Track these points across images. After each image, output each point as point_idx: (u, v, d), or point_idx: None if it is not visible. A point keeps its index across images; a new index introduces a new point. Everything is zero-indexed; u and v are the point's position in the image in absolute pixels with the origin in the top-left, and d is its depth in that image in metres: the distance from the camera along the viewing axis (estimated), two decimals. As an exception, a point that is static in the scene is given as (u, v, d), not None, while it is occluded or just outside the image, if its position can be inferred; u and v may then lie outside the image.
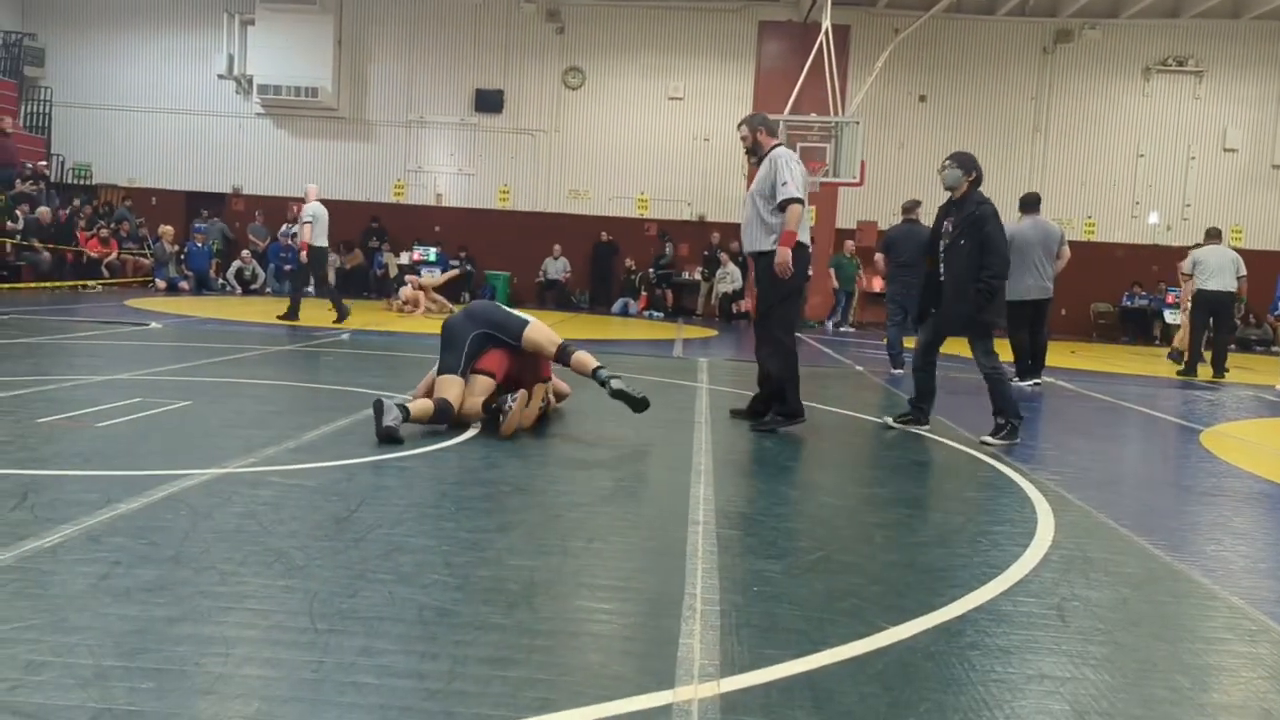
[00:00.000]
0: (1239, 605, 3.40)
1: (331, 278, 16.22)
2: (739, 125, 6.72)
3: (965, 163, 6.72)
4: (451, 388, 5.83)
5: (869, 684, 2.55)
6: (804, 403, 6.56)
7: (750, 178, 7.02)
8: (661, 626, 2.86)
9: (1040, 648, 2.88)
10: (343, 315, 13.38)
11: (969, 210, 6.52)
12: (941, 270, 6.61)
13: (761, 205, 6.42)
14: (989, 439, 6.40)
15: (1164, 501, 5.25)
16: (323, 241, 13.46)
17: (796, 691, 2.49)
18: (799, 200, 6.27)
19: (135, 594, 2.85)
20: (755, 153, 6.59)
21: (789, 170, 6.30)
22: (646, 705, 2.34)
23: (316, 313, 15.48)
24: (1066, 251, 10.32)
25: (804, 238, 6.43)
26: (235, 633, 2.63)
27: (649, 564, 3.50)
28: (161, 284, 19.20)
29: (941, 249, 6.62)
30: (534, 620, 2.86)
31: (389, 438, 5.30)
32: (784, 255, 6.28)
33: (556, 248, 21.61)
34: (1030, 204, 10.36)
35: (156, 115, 22.40)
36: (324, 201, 13.81)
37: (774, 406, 6.55)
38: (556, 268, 21.75)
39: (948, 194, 6.79)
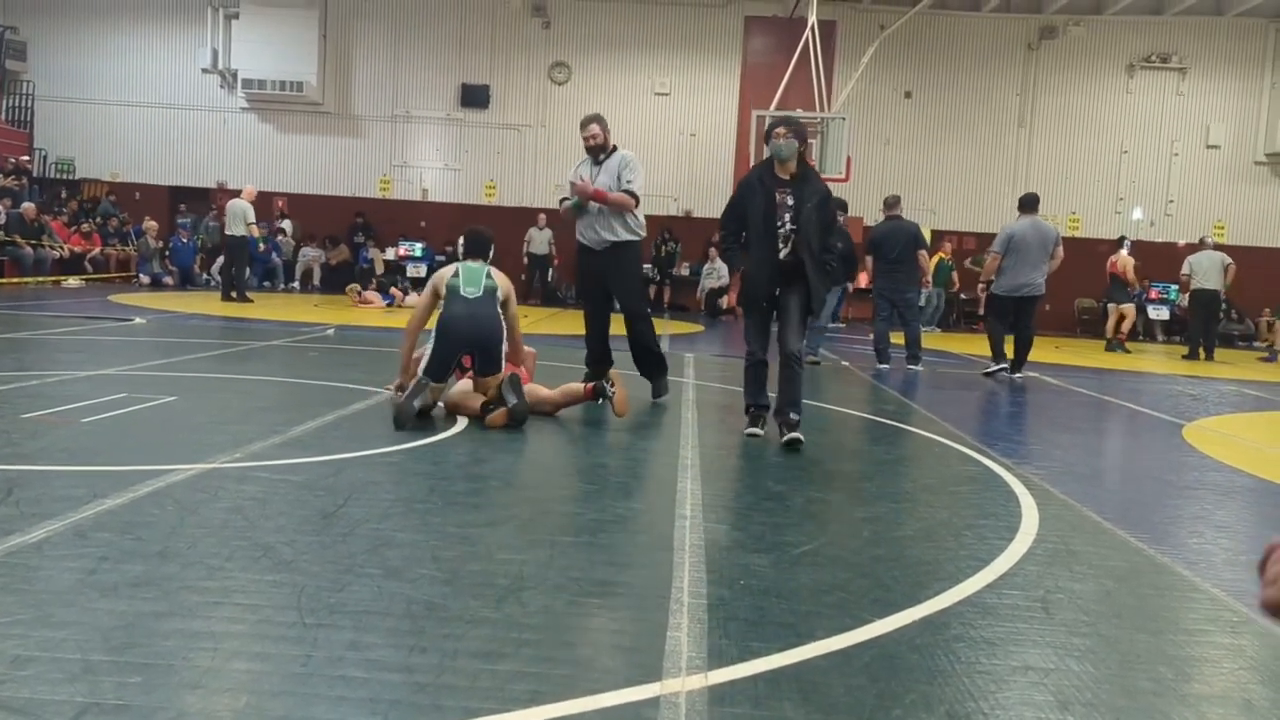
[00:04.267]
0: (1221, 597, 3.43)
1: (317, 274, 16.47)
2: (589, 123, 7.12)
3: (802, 133, 5.95)
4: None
5: (855, 676, 2.57)
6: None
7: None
8: (649, 620, 2.87)
9: (1025, 640, 2.91)
10: (237, 298, 15.38)
11: (817, 185, 5.94)
12: (787, 251, 5.84)
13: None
14: (796, 436, 5.67)
15: (1147, 495, 5.29)
16: (240, 232, 15.69)
17: (784, 684, 2.50)
18: (635, 197, 7.05)
19: (122, 589, 2.84)
20: (601, 152, 7.09)
21: (637, 171, 7.07)
22: (634, 698, 2.35)
23: (302, 309, 15.43)
24: (1060, 253, 10.43)
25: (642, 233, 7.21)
26: (223, 627, 2.63)
27: (637, 558, 3.52)
28: (145, 279, 19.09)
29: (789, 226, 5.81)
30: (522, 614, 2.87)
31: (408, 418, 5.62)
32: (587, 191, 6.97)
33: (541, 217, 20.90)
34: (1029, 204, 10.48)
35: (140, 110, 22.26)
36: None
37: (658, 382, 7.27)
38: (541, 240, 20.97)
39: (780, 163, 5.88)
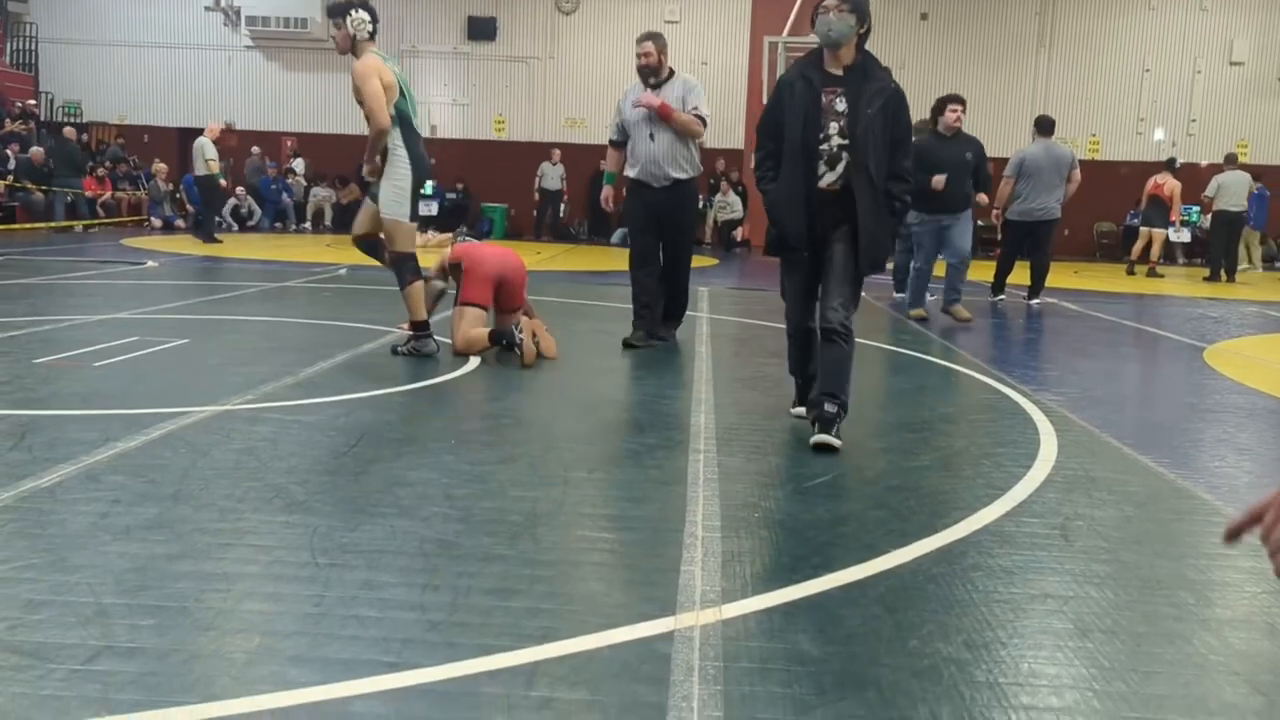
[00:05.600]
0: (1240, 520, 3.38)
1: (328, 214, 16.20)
2: (646, 40, 6.50)
3: (862, 9, 4.19)
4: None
5: (871, 607, 2.54)
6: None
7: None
8: (664, 554, 2.85)
9: (1043, 567, 2.87)
10: (204, 239, 15.43)
11: (883, 81, 4.26)
12: (835, 176, 4.22)
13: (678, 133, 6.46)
14: (829, 439, 4.11)
15: (1167, 419, 5.23)
16: (202, 171, 15.58)
17: (799, 616, 2.48)
18: (704, 122, 6.52)
19: (135, 532, 2.84)
20: (656, 75, 6.51)
21: (703, 99, 6.51)
22: (649, 632, 2.33)
23: (314, 248, 15.38)
24: (1077, 175, 10.20)
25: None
26: (236, 569, 2.63)
27: (651, 493, 3.49)
28: (157, 222, 19.04)
29: (836, 141, 4.20)
30: (536, 551, 2.85)
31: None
32: (654, 102, 6.47)
33: (555, 152, 20.68)
34: (1045, 127, 10.24)
35: (144, 50, 21.99)
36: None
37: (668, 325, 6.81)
38: (554, 175, 20.72)
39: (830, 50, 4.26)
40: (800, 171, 4.22)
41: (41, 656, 2.08)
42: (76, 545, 2.72)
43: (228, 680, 2.04)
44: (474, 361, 5.79)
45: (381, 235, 5.98)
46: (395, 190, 5.80)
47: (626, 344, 6.50)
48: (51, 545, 2.73)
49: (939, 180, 8.53)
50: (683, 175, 6.53)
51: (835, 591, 2.63)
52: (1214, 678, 2.24)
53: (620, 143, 6.70)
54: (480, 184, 21.65)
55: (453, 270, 6.28)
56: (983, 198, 8.94)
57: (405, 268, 5.85)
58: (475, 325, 5.98)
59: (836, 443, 4.09)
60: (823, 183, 4.22)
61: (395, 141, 5.82)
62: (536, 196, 20.78)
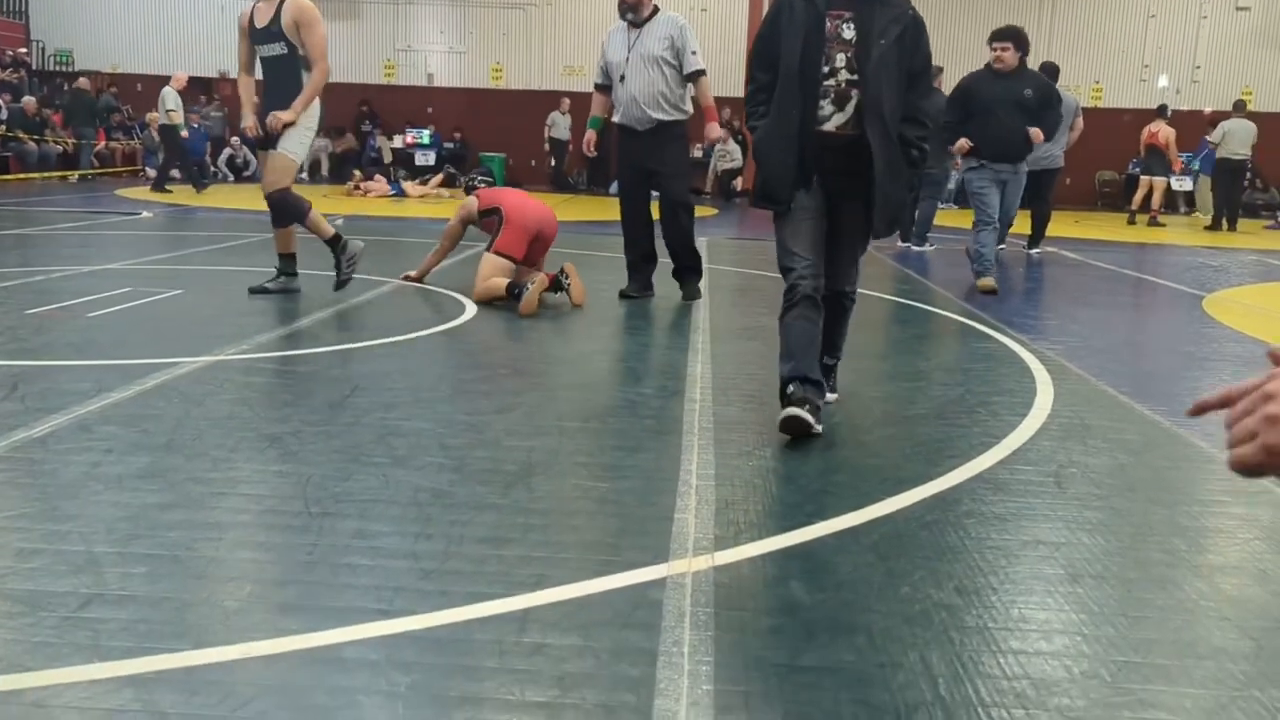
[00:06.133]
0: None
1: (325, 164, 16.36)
2: None
3: None
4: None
5: (863, 554, 2.55)
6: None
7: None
8: (657, 503, 2.85)
9: (1036, 514, 2.88)
10: (155, 187, 15.66)
11: (899, 8, 3.61)
12: (844, 118, 3.55)
13: (668, 74, 6.18)
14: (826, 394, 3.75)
15: (1165, 368, 5.22)
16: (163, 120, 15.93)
17: (791, 563, 2.49)
18: (704, 72, 6.28)
19: (127, 481, 2.83)
20: (636, 13, 6.24)
21: (694, 40, 6.28)
22: (642, 579, 2.34)
23: (310, 198, 15.27)
24: (1080, 123, 10.09)
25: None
26: (228, 518, 2.63)
27: (646, 442, 3.49)
28: (152, 173, 18.88)
29: (844, 75, 3.55)
30: (530, 500, 2.85)
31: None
32: (718, 131, 6.64)
33: (565, 101, 20.43)
34: (1048, 74, 10.08)
35: (135, -3, 21.70)
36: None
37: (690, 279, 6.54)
38: (563, 125, 20.35)
39: None
40: (796, 109, 3.51)
41: (33, 604, 2.08)
42: (68, 494, 2.72)
43: (219, 627, 2.05)
44: (470, 312, 5.76)
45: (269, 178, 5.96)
46: (306, 131, 5.88)
47: (623, 295, 6.47)
48: (43, 494, 2.72)
49: (960, 147, 7.38)
50: (665, 117, 6.19)
51: (828, 539, 2.64)
52: (1204, 622, 2.24)
53: (605, 86, 6.50)
54: (478, 133, 21.45)
55: (484, 215, 6.23)
56: (1037, 134, 7.29)
57: (292, 200, 5.91)
58: (499, 274, 5.96)
59: (832, 397, 3.94)
60: (829, 125, 3.56)
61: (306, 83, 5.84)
62: (547, 146, 20.62)
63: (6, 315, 5.17)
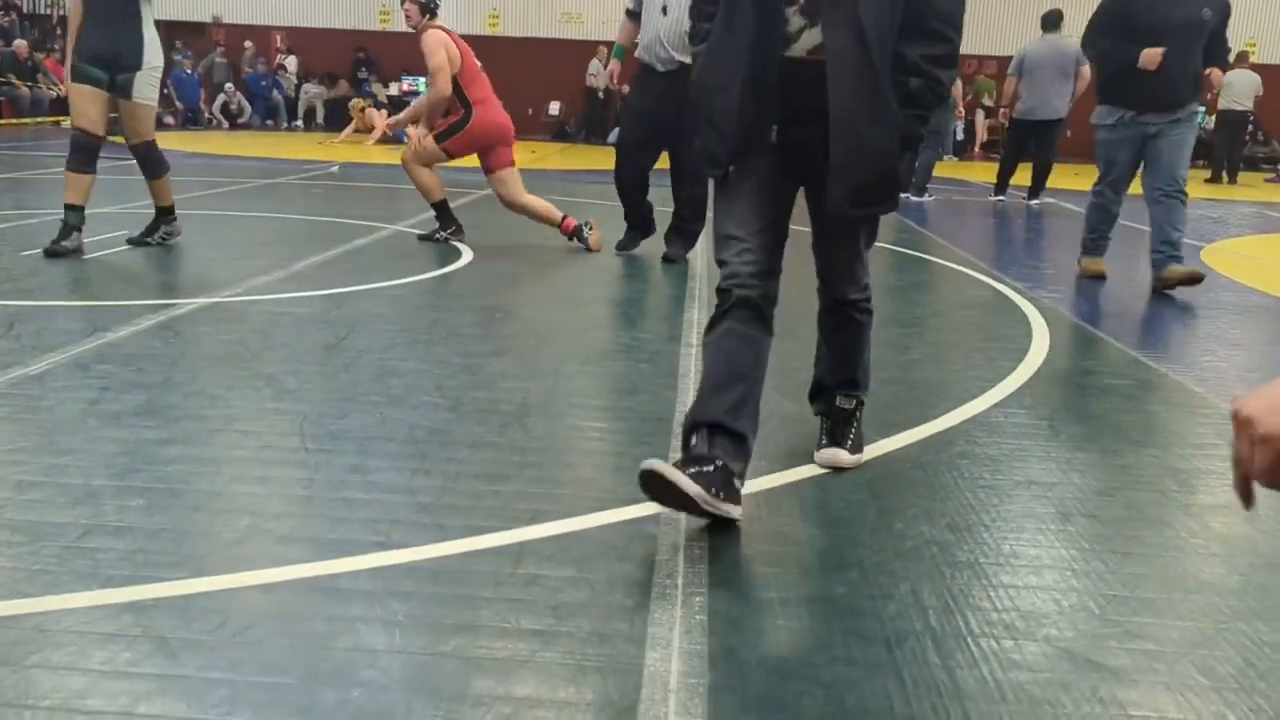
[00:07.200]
0: (1229, 412, 3.40)
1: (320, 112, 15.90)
2: None
3: None
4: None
5: (857, 492, 2.56)
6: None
7: None
8: (653, 442, 2.86)
9: (1029, 456, 2.89)
10: None
11: None
12: (818, 37, 2.38)
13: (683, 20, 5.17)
14: (839, 454, 2.73)
15: (1161, 316, 5.22)
16: None
17: (783, 500, 2.50)
18: None
19: (124, 418, 2.84)
20: None
21: None
22: (636, 514, 2.35)
23: (306, 146, 15.16)
24: (1086, 72, 9.94)
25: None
26: (225, 453, 2.64)
27: (642, 385, 3.50)
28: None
29: None
30: (526, 439, 2.86)
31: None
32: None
33: (602, 50, 19.31)
34: (1049, 22, 9.95)
35: (127, -60, 21.30)
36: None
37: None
38: (604, 76, 20.18)
39: None
40: (749, 26, 2.36)
41: (33, 534, 2.10)
42: (66, 430, 2.73)
43: (217, 558, 2.06)
44: (467, 256, 5.74)
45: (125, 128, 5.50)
46: (152, 74, 5.41)
47: (620, 248, 6.37)
48: (41, 430, 2.73)
49: (1151, 55, 5.27)
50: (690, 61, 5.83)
51: (822, 478, 2.65)
52: (1192, 559, 2.27)
53: (636, 13, 5.88)
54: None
55: (457, 97, 6.19)
56: (1217, 75, 5.77)
57: (157, 154, 5.58)
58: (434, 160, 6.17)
59: (850, 461, 2.69)
60: (798, 47, 2.39)
61: (150, 26, 5.36)
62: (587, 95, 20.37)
63: (1, 257, 5.15)
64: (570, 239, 6.19)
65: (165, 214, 5.75)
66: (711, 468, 2.23)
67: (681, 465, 2.22)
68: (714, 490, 2.18)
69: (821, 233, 2.65)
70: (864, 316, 2.80)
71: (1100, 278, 5.89)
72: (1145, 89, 5.37)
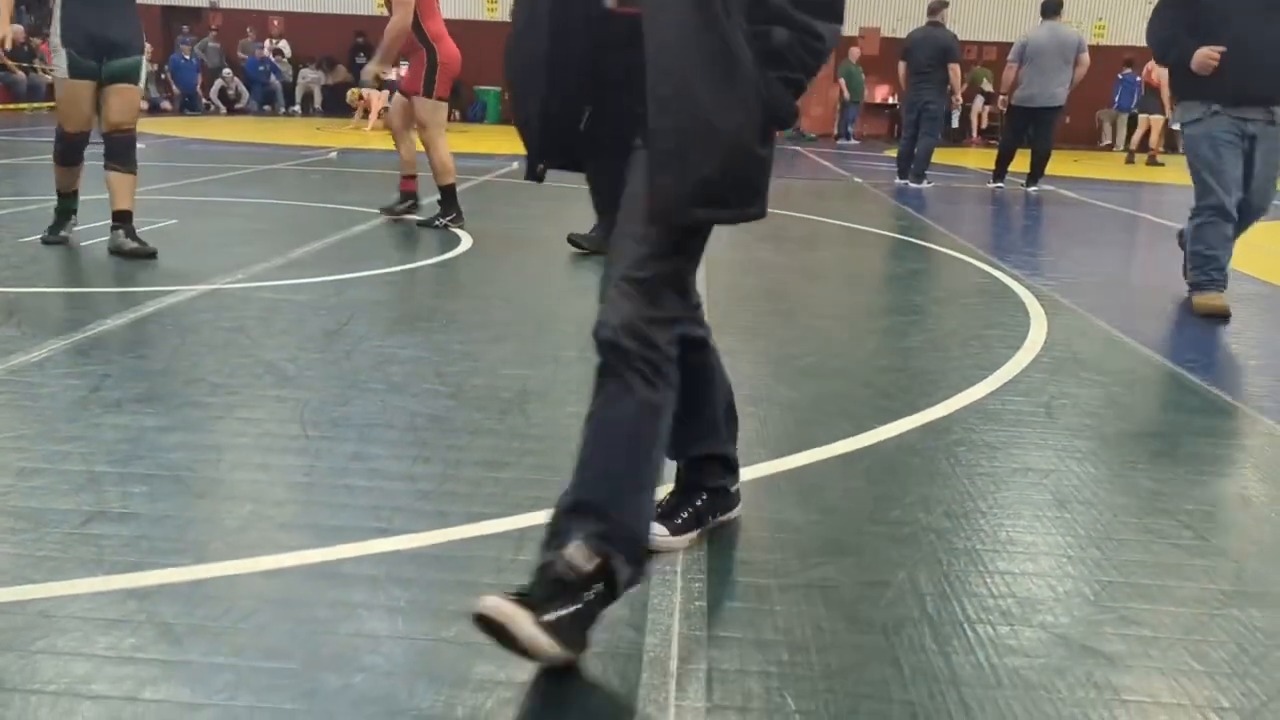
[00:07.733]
0: (1227, 399, 3.42)
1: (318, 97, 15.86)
2: None
3: None
4: None
5: (854, 479, 2.58)
6: (801, 215, 6.45)
7: None
8: (651, 429, 2.87)
9: (1026, 443, 2.91)
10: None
11: None
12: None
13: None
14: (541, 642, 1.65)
15: (1158, 303, 5.23)
16: None
17: (781, 487, 2.52)
18: None
19: (126, 405, 2.85)
20: None
21: None
22: (635, 502, 2.36)
23: (304, 132, 15.13)
24: (1085, 59, 9.97)
25: None
26: (227, 440, 2.65)
27: (640, 370, 3.50)
28: (144, 104, 18.67)
29: None
30: (526, 425, 2.88)
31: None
32: None
33: None
34: (1050, 9, 9.98)
35: (123, -77, 21.21)
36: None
37: None
38: None
39: None
40: None
41: (36, 520, 2.12)
42: (68, 417, 2.74)
43: (220, 544, 2.08)
44: (466, 243, 5.75)
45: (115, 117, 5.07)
46: (145, 59, 5.17)
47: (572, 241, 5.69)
48: (42, 417, 2.74)
49: (1206, 56, 4.45)
50: None
51: (818, 465, 2.67)
52: (1188, 546, 2.28)
53: None
54: (472, 66, 21.09)
55: (417, 36, 6.20)
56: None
57: (133, 146, 5.14)
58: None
59: (556, 651, 1.61)
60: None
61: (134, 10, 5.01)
62: None
63: (0, 244, 5.15)
64: (404, 200, 6.45)
65: (127, 219, 5.05)
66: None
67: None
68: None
69: (615, 239, 1.96)
70: (644, 376, 1.76)
71: (1223, 317, 4.66)
72: (1245, 79, 4.48)
